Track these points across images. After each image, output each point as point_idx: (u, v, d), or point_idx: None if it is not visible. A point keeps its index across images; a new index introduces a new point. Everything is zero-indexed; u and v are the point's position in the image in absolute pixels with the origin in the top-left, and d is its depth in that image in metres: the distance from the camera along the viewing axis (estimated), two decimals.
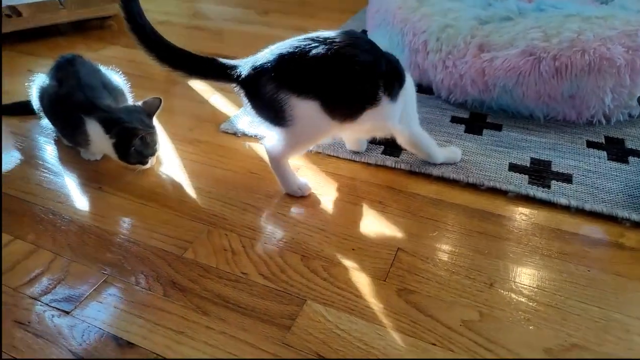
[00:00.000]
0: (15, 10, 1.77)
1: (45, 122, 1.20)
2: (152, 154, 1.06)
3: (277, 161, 0.97)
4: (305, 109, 0.87)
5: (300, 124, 0.88)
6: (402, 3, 1.50)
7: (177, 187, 1.05)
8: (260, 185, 1.04)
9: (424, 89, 1.46)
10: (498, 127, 1.27)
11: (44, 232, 0.92)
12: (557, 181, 1.05)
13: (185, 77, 1.01)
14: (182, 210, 0.98)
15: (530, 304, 0.77)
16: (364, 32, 1.83)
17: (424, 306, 0.77)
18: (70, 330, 0.73)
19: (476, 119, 1.31)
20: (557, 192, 1.02)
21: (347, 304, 0.77)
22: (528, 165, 1.11)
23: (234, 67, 0.91)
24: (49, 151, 1.18)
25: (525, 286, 0.80)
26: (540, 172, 1.09)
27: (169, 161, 1.14)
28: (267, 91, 0.86)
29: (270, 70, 0.85)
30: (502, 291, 0.79)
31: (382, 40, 1.58)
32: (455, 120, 1.31)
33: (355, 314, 0.76)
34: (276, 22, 2.11)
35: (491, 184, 1.04)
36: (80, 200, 1.01)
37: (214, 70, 0.92)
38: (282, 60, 0.86)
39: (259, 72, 0.87)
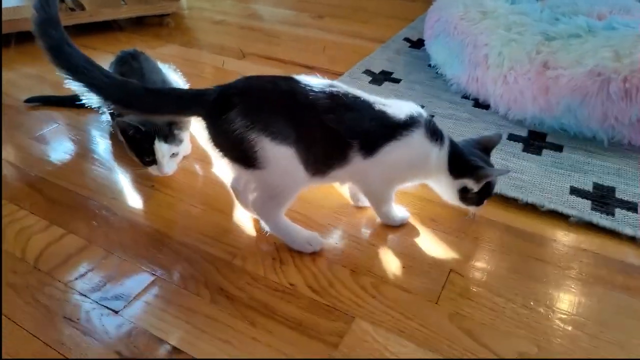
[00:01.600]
0: (78, 4, 1.83)
1: (105, 117, 1.23)
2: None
3: (260, 212, 0.88)
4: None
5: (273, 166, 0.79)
6: (464, 14, 1.46)
7: (228, 190, 1.05)
8: (309, 193, 1.02)
9: (479, 104, 1.42)
10: (559, 148, 1.20)
11: (97, 228, 0.94)
12: (622, 209, 0.99)
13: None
14: (233, 214, 0.97)
15: (590, 340, 0.72)
16: (420, 40, 1.80)
17: (477, 334, 0.73)
18: (118, 330, 0.73)
19: (535, 137, 1.25)
20: (622, 220, 0.96)
21: (396, 325, 0.75)
22: (591, 190, 1.05)
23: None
24: (104, 146, 1.20)
25: (586, 322, 0.75)
26: (603, 198, 1.02)
27: (219, 163, 1.14)
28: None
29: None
30: (561, 324, 0.75)
31: (441, 50, 1.55)
32: (512, 137, 1.25)
33: (405, 336, 0.73)
34: (331, 27, 2.10)
35: (552, 206, 0.99)
36: (134, 198, 1.03)
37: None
38: None
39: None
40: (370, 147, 0.81)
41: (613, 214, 0.98)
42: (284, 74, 1.63)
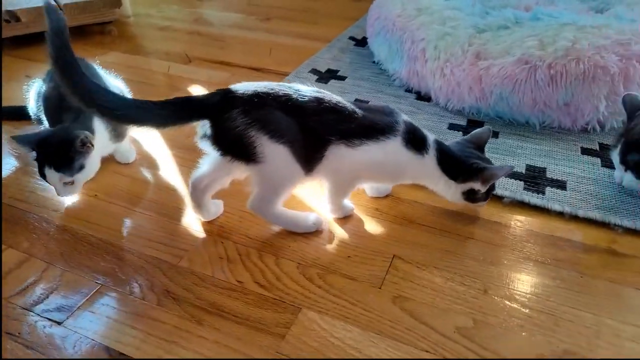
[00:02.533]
0: (14, 16, 1.77)
1: (43, 128, 1.20)
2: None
3: (261, 211, 0.92)
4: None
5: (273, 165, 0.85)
6: (401, 11, 1.51)
7: (173, 194, 1.05)
8: None
9: (422, 97, 1.47)
10: (495, 134, 1.27)
11: (37, 240, 0.92)
12: (552, 187, 1.06)
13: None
14: (178, 218, 0.98)
15: (524, 310, 0.77)
16: (365, 38, 1.84)
17: (418, 313, 0.77)
18: (62, 341, 0.73)
19: (473, 125, 1.31)
20: (552, 198, 1.02)
21: (342, 312, 0.77)
22: (523, 171, 1.11)
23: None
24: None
25: (518, 293, 0.80)
26: (535, 178, 1.09)
27: (166, 168, 1.14)
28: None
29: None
30: (496, 298, 0.79)
31: (382, 47, 1.60)
32: (452, 127, 1.31)
33: (350, 322, 0.76)
34: (278, 29, 2.11)
35: None
36: (75, 209, 1.01)
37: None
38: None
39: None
40: (346, 144, 0.87)
41: (543, 193, 1.04)
42: (231, 77, 1.65)
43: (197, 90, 1.53)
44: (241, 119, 0.81)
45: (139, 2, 2.44)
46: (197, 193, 0.93)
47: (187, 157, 1.18)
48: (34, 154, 0.97)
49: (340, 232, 0.94)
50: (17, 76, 1.58)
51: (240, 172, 0.90)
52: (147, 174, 1.12)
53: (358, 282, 0.83)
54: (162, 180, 1.10)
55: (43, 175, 0.96)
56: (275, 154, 0.83)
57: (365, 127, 0.87)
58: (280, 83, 0.88)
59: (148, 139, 1.25)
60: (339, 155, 0.87)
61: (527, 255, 0.88)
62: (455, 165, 0.91)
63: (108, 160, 1.15)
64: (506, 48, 1.25)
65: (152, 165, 1.16)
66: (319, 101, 0.85)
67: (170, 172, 1.13)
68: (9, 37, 1.79)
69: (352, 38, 1.95)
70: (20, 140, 0.96)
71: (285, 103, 0.84)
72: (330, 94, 0.89)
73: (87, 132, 0.97)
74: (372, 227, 0.96)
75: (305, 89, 0.87)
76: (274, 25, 2.17)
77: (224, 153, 0.85)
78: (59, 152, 0.95)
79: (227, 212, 0.99)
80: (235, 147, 0.83)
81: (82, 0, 1.86)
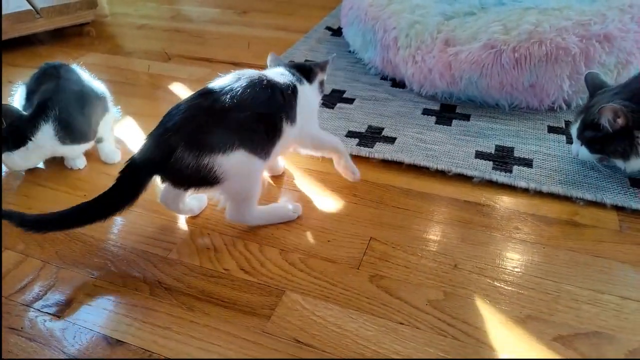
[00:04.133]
0: None
1: None
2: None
3: (251, 220, 0.96)
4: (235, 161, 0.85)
5: (233, 178, 0.86)
6: (372, 0, 1.55)
7: (159, 191, 1.09)
8: None
9: (397, 84, 1.52)
10: (466, 117, 1.33)
11: (31, 241, 0.96)
12: (519, 166, 1.12)
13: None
14: (166, 213, 1.02)
15: (489, 281, 0.84)
16: (340, 28, 1.88)
17: (393, 289, 0.83)
18: (62, 332, 0.78)
19: (446, 110, 1.37)
20: (518, 176, 1.08)
21: (322, 292, 0.83)
22: (493, 152, 1.17)
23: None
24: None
25: (485, 266, 0.87)
26: (504, 158, 1.15)
27: None
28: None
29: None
30: (464, 271, 0.86)
31: (356, 36, 1.64)
32: (426, 112, 1.36)
33: (331, 301, 0.81)
34: (255, 22, 2.15)
35: (458, 170, 1.10)
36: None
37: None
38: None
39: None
40: (290, 112, 0.95)
41: (511, 171, 1.10)
42: (211, 72, 1.68)
43: (179, 87, 1.57)
44: (187, 155, 0.80)
45: (116, 1, 2.45)
46: (170, 206, 0.96)
47: None
48: None
49: (319, 218, 1.00)
50: None
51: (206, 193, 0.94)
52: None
53: (337, 264, 0.89)
54: None
55: None
56: (235, 164, 0.84)
57: (287, 91, 0.96)
58: (203, 89, 0.90)
59: (132, 139, 1.29)
60: (290, 125, 0.94)
61: (495, 231, 0.95)
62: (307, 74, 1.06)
63: (95, 161, 1.19)
64: (473, 34, 1.30)
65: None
66: (248, 87, 0.87)
67: None
68: None
69: (328, 28, 1.99)
70: None
71: (218, 110, 0.84)
72: (246, 72, 0.92)
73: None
74: (350, 211, 1.02)
75: (226, 82, 0.89)
76: (251, 18, 2.20)
77: (186, 189, 0.87)
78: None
79: (211, 205, 1.04)
80: (195, 180, 0.84)
81: (58, 4, 1.88)
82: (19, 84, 1.22)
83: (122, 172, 0.84)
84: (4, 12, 1.80)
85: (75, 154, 1.17)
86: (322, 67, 1.10)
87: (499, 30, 1.27)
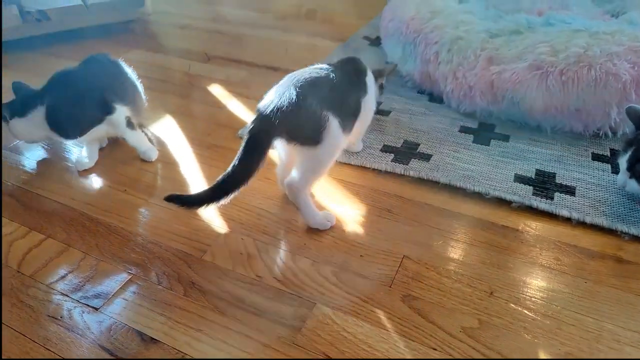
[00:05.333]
0: (44, 15, 1.85)
1: None
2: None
3: (300, 192, 0.98)
4: (334, 128, 0.93)
5: (328, 142, 0.93)
6: (415, 13, 1.54)
7: (196, 190, 1.11)
8: (274, 190, 1.10)
9: (434, 98, 1.51)
10: (506, 138, 1.30)
11: (73, 232, 0.99)
12: (561, 193, 1.09)
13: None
14: (201, 214, 1.03)
15: (527, 312, 0.82)
16: (378, 38, 1.88)
17: (426, 312, 0.82)
18: (99, 325, 0.79)
19: (484, 129, 1.35)
20: (560, 204, 1.05)
21: (354, 308, 0.83)
22: (533, 176, 1.15)
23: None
24: (76, 154, 1.24)
25: (523, 296, 0.85)
26: (544, 183, 1.12)
27: (188, 165, 1.20)
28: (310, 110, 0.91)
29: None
30: (501, 300, 0.84)
31: (396, 48, 1.63)
32: (464, 130, 1.35)
33: (362, 318, 0.81)
34: (294, 27, 2.16)
35: (496, 193, 1.08)
36: (107, 202, 1.08)
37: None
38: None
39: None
40: (365, 99, 1.08)
41: (552, 198, 1.07)
42: (248, 75, 1.71)
43: (217, 89, 1.59)
44: (312, 104, 0.90)
45: (159, 0, 2.50)
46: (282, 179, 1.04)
47: (206, 155, 1.24)
48: None
49: (353, 232, 0.99)
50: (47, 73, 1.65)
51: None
52: (170, 171, 1.19)
53: (369, 280, 0.88)
54: (184, 177, 1.16)
55: None
56: (333, 129, 0.93)
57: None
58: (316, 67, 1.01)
59: (170, 137, 1.31)
60: (364, 99, 1.07)
61: (533, 260, 0.93)
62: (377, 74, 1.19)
63: (135, 158, 1.22)
64: (518, 53, 1.28)
65: (175, 162, 1.22)
66: (331, 70, 0.99)
67: (191, 169, 1.19)
68: (39, 35, 1.86)
69: (366, 37, 1.99)
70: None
71: (330, 82, 0.96)
72: (324, 66, 1.02)
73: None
74: (384, 227, 1.01)
75: (321, 67, 1.00)
76: (290, 23, 2.22)
77: (297, 142, 0.92)
78: None
79: (246, 210, 1.04)
80: (309, 132, 0.91)
81: (106, 0, 1.93)
82: None
83: (251, 130, 0.89)
84: (55, 5, 1.86)
85: (148, 145, 1.21)
86: (384, 72, 1.22)
87: (546, 51, 1.25)
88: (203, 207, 0.88)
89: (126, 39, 2.00)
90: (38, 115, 1.09)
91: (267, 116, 0.89)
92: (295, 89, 0.90)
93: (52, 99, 1.09)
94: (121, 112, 1.16)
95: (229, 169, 0.88)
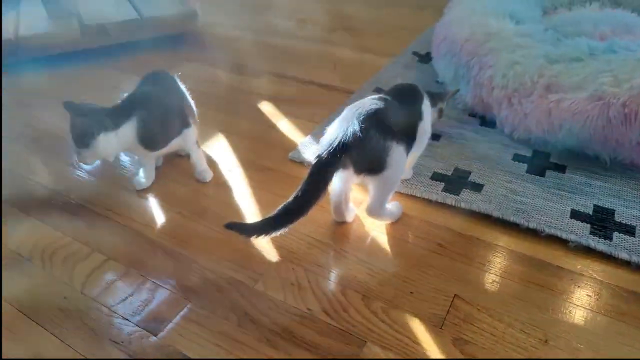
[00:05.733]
0: (103, 28, 1.93)
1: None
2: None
3: (380, 214, 1.07)
4: (397, 152, 0.99)
5: (394, 166, 0.99)
6: (469, 35, 1.52)
7: (249, 215, 1.14)
8: (325, 219, 1.11)
9: (486, 122, 1.48)
10: (562, 169, 1.26)
11: (133, 254, 1.03)
12: (620, 233, 1.05)
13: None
14: (254, 241, 1.06)
15: None
16: (429, 54, 1.86)
17: (479, 358, 0.81)
18: (159, 352, 0.83)
19: (539, 157, 1.31)
20: (619, 245, 1.02)
21: (404, 350, 0.83)
22: (591, 213, 1.11)
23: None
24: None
25: (580, 347, 0.83)
26: (603, 221, 1.08)
27: (240, 188, 1.23)
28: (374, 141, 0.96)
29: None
30: (557, 350, 0.82)
31: (448, 69, 1.61)
32: (517, 158, 1.31)
33: None
34: (343, 41, 2.15)
35: (552, 231, 1.05)
36: (163, 224, 1.12)
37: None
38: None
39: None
40: (420, 115, 1.12)
41: (611, 238, 1.04)
42: (298, 92, 1.72)
43: (267, 106, 1.61)
44: (376, 135, 0.94)
45: (209, 11, 2.54)
46: (340, 207, 1.08)
47: (257, 178, 1.27)
48: None
49: (403, 266, 0.99)
50: (105, 86, 1.73)
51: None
52: (222, 193, 1.22)
53: (420, 319, 0.88)
54: (235, 200, 1.19)
55: None
56: (397, 155, 0.98)
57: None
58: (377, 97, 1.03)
59: (221, 157, 1.35)
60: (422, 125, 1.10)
61: (590, 306, 0.90)
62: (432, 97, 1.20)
63: (189, 178, 1.26)
64: (579, 82, 1.24)
65: (226, 184, 1.25)
66: (390, 99, 1.03)
67: (242, 192, 1.22)
68: (97, 47, 1.94)
69: (415, 53, 1.97)
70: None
71: (393, 111, 1.00)
72: (384, 96, 1.04)
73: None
74: (434, 262, 1.00)
75: (369, 99, 1.01)
76: (339, 37, 2.21)
77: (362, 171, 0.97)
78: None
79: (297, 239, 1.06)
80: (374, 161, 0.97)
81: (162, 14, 1.99)
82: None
83: (316, 164, 0.93)
84: (113, 19, 1.95)
85: (203, 166, 1.25)
86: (445, 96, 1.25)
87: (608, 81, 1.20)
88: (262, 237, 0.90)
89: (179, 52, 2.06)
90: (128, 129, 1.10)
91: (333, 151, 0.92)
92: (358, 123, 0.94)
93: (142, 113, 1.11)
94: (194, 126, 1.21)
95: (291, 199, 0.90)
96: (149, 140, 1.13)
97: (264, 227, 0.90)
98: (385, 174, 0.98)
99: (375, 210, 1.06)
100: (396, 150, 0.98)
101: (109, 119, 1.07)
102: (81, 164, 1.11)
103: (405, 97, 1.10)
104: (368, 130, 0.93)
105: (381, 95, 1.05)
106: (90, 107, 1.09)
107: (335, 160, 0.93)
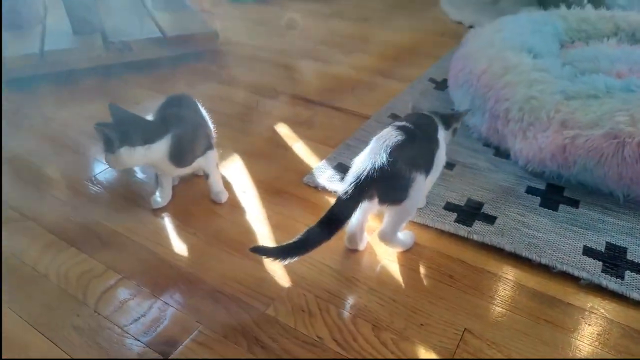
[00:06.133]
0: (126, 45, 1.99)
1: None
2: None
3: (392, 240, 1.09)
4: (419, 182, 1.02)
5: (414, 196, 1.02)
6: (487, 67, 1.54)
7: (262, 238, 1.15)
8: (337, 246, 1.12)
9: (500, 152, 1.49)
10: (575, 204, 1.27)
11: (147, 273, 1.05)
12: (632, 272, 1.05)
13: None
14: (263, 264, 1.07)
15: None
16: (445, 81, 1.88)
17: None
18: None
19: (553, 191, 1.31)
20: (631, 284, 1.01)
21: None
22: (603, 250, 1.11)
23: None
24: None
25: None
26: (615, 259, 1.08)
27: (255, 210, 1.25)
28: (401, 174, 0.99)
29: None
30: None
31: (463, 98, 1.63)
32: (530, 191, 1.32)
33: None
34: (361, 64, 2.19)
35: (564, 267, 1.05)
36: (178, 245, 1.14)
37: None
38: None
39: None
40: (437, 144, 1.13)
41: (622, 277, 1.03)
42: (314, 115, 1.74)
43: (284, 129, 1.64)
44: (403, 168, 0.98)
45: (230, 29, 2.60)
46: (355, 237, 1.10)
47: (272, 201, 1.28)
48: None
49: (413, 297, 1.00)
50: (127, 101, 1.77)
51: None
52: (237, 215, 1.23)
53: (430, 352, 0.88)
54: (249, 222, 1.21)
55: None
56: (417, 184, 1.01)
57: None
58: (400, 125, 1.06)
59: (237, 178, 1.37)
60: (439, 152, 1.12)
61: (601, 345, 0.89)
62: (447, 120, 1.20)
63: (204, 198, 1.28)
64: (595, 120, 1.25)
65: (241, 206, 1.27)
66: (413, 129, 1.05)
67: (257, 214, 1.23)
68: (120, 63, 1.99)
69: (432, 80, 1.99)
70: None
71: (413, 141, 1.02)
72: (405, 125, 1.07)
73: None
74: (445, 294, 1.01)
75: (394, 130, 1.04)
76: (357, 60, 2.25)
77: (385, 202, 1.00)
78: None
79: (308, 264, 1.07)
80: (399, 191, 1.00)
81: (184, 33, 2.05)
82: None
83: (345, 194, 0.96)
84: (137, 37, 2.00)
85: (219, 187, 1.27)
86: (460, 116, 1.24)
87: (624, 120, 1.21)
88: (286, 261, 0.93)
89: (198, 71, 2.10)
90: (163, 144, 1.11)
91: (363, 183, 0.96)
92: (386, 155, 0.97)
93: (177, 132, 1.13)
94: (215, 149, 1.25)
95: (315, 225, 0.94)
96: (178, 157, 1.16)
97: (287, 251, 0.93)
98: (406, 203, 1.01)
99: (387, 236, 1.08)
100: (418, 181, 1.01)
101: (144, 133, 1.09)
102: (109, 166, 1.13)
103: (424, 125, 1.12)
104: (395, 163, 0.96)
105: (404, 124, 1.07)
106: (131, 116, 1.10)
107: (364, 191, 0.96)
